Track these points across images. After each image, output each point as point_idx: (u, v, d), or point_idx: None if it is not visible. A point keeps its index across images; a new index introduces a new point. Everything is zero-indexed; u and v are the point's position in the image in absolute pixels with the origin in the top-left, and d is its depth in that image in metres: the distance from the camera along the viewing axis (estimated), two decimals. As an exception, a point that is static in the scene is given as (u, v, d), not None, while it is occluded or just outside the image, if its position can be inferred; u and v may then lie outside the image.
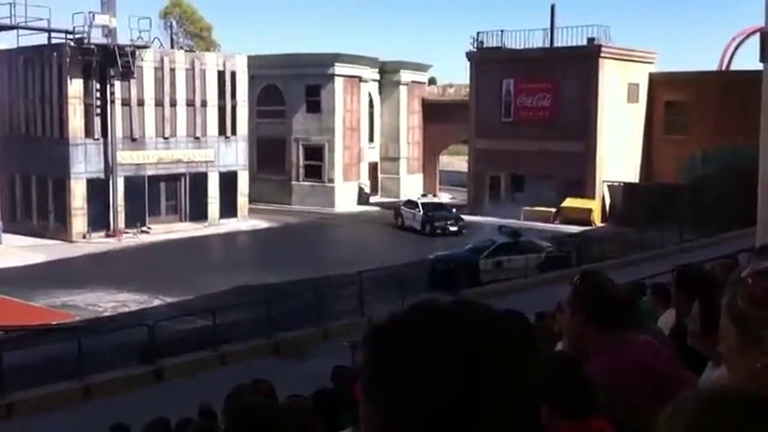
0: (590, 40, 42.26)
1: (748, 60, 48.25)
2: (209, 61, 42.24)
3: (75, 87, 36.65)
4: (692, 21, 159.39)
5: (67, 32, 36.84)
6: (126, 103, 38.06)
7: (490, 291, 22.71)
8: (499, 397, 1.00)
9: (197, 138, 40.92)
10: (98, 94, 37.23)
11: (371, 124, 51.86)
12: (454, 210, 41.34)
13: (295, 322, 20.12)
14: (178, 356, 17.76)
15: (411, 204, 40.46)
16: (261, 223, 41.62)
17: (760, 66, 12.88)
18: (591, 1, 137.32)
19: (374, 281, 22.97)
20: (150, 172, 39.12)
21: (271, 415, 4.08)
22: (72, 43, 36.42)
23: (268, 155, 48.33)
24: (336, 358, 10.15)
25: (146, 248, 35.19)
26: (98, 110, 37.27)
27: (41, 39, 37.63)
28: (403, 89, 52.79)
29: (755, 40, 18.39)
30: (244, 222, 41.63)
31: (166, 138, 39.73)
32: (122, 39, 37.55)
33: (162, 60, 39.69)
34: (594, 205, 41.14)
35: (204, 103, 41.13)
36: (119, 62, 36.70)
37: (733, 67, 46.99)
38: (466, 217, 41.17)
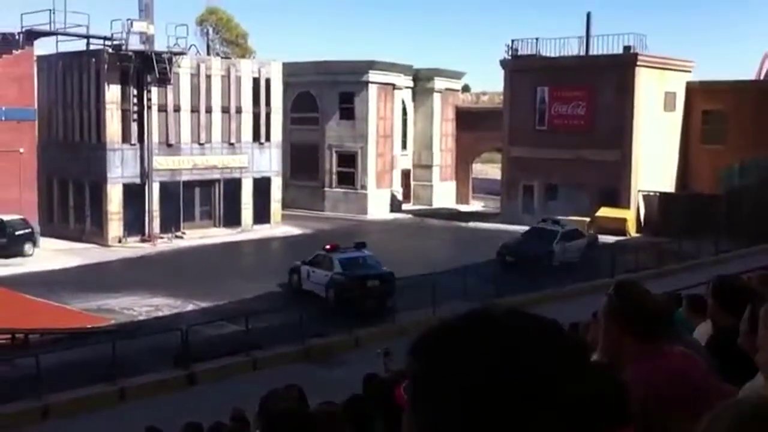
0: (626, 48, 41.92)
1: (787, 69, 47.47)
2: (244, 68, 42.59)
3: (113, 93, 37.15)
4: (730, 30, 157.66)
5: (105, 39, 37.38)
6: (162, 109, 38.50)
7: (522, 301, 22.56)
8: (544, 407, 1.00)
9: (232, 144, 41.26)
10: (135, 100, 37.70)
11: (404, 132, 51.91)
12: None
13: (327, 328, 20.17)
14: (211, 361, 17.89)
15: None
16: (293, 230, 41.80)
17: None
18: (627, 10, 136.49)
19: (406, 289, 22.92)
20: (185, 177, 39.50)
21: (303, 421, 4.10)
22: (110, 50, 36.93)
23: (301, 162, 48.56)
24: (367, 365, 10.14)
25: (180, 253, 35.49)
26: (135, 116, 37.73)
27: (80, 45, 38.23)
28: (436, 97, 52.78)
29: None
30: (277, 228, 41.84)
31: (201, 144, 40.10)
32: (159, 46, 38.04)
33: (198, 66, 40.10)
34: (629, 215, 40.73)
35: (239, 110, 41.46)
36: (156, 68, 37.14)
37: (771, 76, 46.34)
38: (500, 226, 40.96)
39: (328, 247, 25.87)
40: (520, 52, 45.11)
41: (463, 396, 0.99)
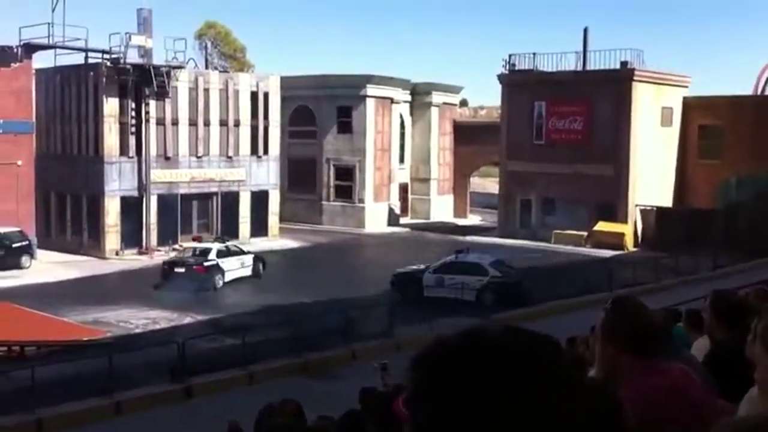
0: (623, 63, 42.08)
1: (784, 84, 47.63)
2: (242, 81, 42.69)
3: (111, 106, 37.19)
4: (727, 45, 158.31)
5: (103, 52, 37.41)
6: (160, 122, 38.55)
7: (520, 314, 22.53)
8: (541, 424, 1.01)
9: (230, 157, 41.30)
10: (133, 113, 37.75)
11: (402, 145, 52.01)
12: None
13: (324, 342, 20.13)
14: (207, 374, 17.84)
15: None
16: (291, 243, 41.78)
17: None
18: (624, 25, 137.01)
19: (403, 303, 22.91)
20: (183, 190, 39.50)
21: (299, 435, 4.08)
22: (108, 63, 36.98)
23: (299, 175, 48.60)
24: (364, 379, 10.11)
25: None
26: (133, 129, 37.77)
27: (78, 59, 38.23)
28: (434, 111, 52.91)
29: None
30: (274, 241, 41.81)
31: (199, 157, 40.14)
32: (158, 59, 38.11)
33: (196, 80, 40.19)
34: (626, 230, 40.76)
35: (237, 123, 41.52)
36: (155, 82, 37.20)
37: (768, 92, 46.53)
38: (497, 240, 40.94)
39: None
40: (517, 67, 45.26)
41: (461, 412, 1.01)
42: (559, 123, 43.21)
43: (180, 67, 38.96)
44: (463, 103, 59.80)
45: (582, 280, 28.18)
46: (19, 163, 35.60)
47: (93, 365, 17.33)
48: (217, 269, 30.09)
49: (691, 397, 2.84)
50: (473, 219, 53.97)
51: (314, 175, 48.91)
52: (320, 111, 48.48)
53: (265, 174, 42.82)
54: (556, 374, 1.06)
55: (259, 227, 42.07)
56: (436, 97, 52.87)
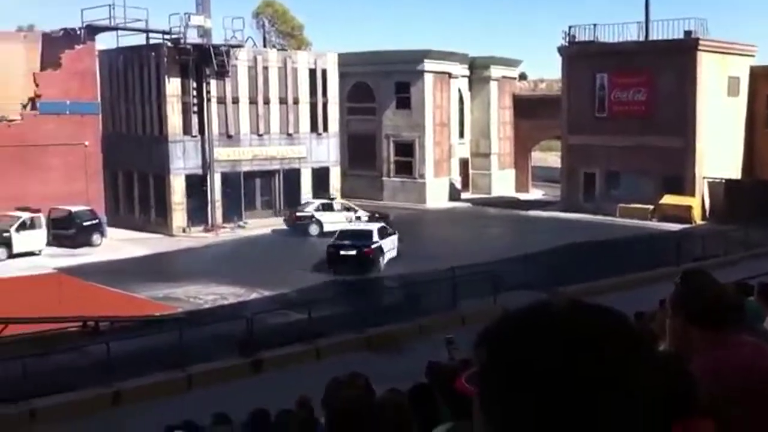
0: (687, 33, 41.03)
1: None
2: (301, 59, 42.91)
3: (173, 86, 37.81)
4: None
5: (164, 33, 37.99)
6: (221, 101, 39.06)
7: (585, 289, 22.36)
8: (615, 396, 1.01)
9: (290, 135, 41.66)
10: (195, 93, 38.32)
11: (461, 120, 51.70)
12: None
13: (389, 316, 20.30)
14: (275, 349, 18.16)
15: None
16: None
17: None
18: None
19: (468, 277, 22.92)
20: (245, 168, 40.05)
21: (370, 409, 4.20)
22: (169, 44, 37.56)
23: (359, 151, 48.75)
24: (430, 354, 10.22)
25: (243, 242, 36.02)
26: (195, 108, 38.36)
27: (139, 40, 38.95)
28: (493, 85, 52.41)
29: None
30: (336, 218, 42.03)
31: (260, 135, 40.58)
32: (217, 39, 38.60)
33: (255, 59, 40.54)
34: (694, 202, 39.97)
35: (296, 101, 41.82)
36: (214, 61, 37.67)
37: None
38: (560, 214, 40.56)
39: None
40: (577, 39, 44.50)
41: (533, 388, 1.01)
42: (622, 95, 42.43)
43: (239, 46, 39.35)
44: (522, 76, 59.04)
45: (647, 254, 27.75)
46: (87, 143, 36.52)
47: (165, 340, 17.80)
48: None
49: (763, 372, 2.85)
50: (535, 193, 53.51)
51: (374, 151, 49.00)
52: (378, 87, 48.46)
53: (325, 151, 43.09)
54: (626, 347, 1.05)
55: (321, 204, 42.40)
56: (495, 71, 52.32)
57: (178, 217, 37.95)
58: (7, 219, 32.04)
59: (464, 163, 51.70)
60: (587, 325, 1.06)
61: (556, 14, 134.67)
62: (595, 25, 44.20)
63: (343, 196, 44.29)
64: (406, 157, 48.37)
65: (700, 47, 40.38)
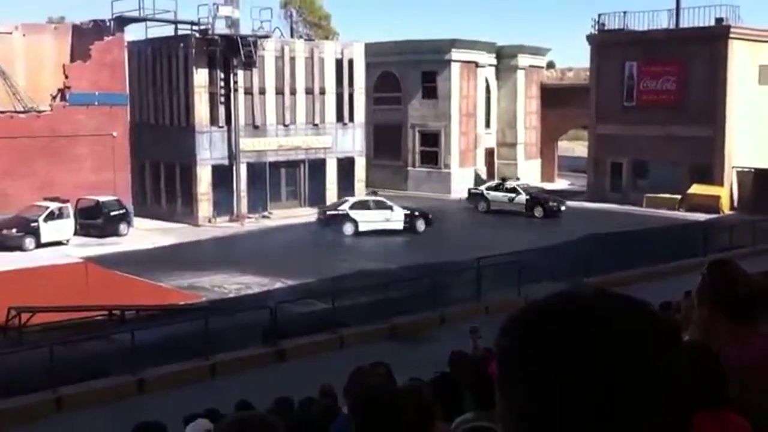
0: (718, 20, 40.48)
1: None
2: (327, 49, 42.89)
3: (200, 76, 37.96)
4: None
5: (192, 23, 38.13)
6: (248, 91, 39.16)
7: (610, 280, 22.18)
8: (638, 388, 1.00)
9: (316, 125, 41.69)
10: (222, 83, 38.45)
11: (488, 110, 51.42)
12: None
13: (413, 306, 20.28)
14: (298, 338, 18.23)
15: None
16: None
17: None
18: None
19: (492, 267, 22.84)
20: (271, 158, 40.14)
21: (393, 397, 4.16)
22: (197, 34, 37.70)
23: (384, 141, 48.70)
24: (453, 343, 10.18)
25: (268, 232, 36.12)
26: (222, 99, 38.49)
27: (168, 30, 39.14)
28: (520, 74, 52.07)
29: None
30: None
31: (286, 125, 40.65)
32: (244, 29, 38.62)
33: (282, 49, 40.58)
34: (722, 192, 39.50)
35: (322, 91, 41.83)
36: (242, 52, 37.75)
37: None
38: (586, 204, 40.29)
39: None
40: (607, 27, 44.09)
41: (558, 376, 1.00)
42: (652, 84, 41.98)
43: (266, 37, 39.39)
44: (550, 65, 58.61)
45: (674, 245, 27.48)
46: (115, 134, 36.78)
47: (189, 328, 17.93)
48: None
49: (792, 362, 2.78)
50: (561, 183, 53.16)
51: (399, 141, 48.93)
52: (405, 77, 48.33)
53: (351, 141, 43.09)
54: (652, 335, 1.04)
55: (346, 194, 42.37)
56: (522, 60, 51.97)
57: (204, 207, 38.14)
58: (35, 209, 32.38)
59: (490, 153, 51.46)
60: (614, 310, 1.05)
61: (586, 2, 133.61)
62: (624, 12, 43.85)
63: (368, 186, 44.31)
64: (432, 147, 48.24)
65: (731, 35, 39.82)
